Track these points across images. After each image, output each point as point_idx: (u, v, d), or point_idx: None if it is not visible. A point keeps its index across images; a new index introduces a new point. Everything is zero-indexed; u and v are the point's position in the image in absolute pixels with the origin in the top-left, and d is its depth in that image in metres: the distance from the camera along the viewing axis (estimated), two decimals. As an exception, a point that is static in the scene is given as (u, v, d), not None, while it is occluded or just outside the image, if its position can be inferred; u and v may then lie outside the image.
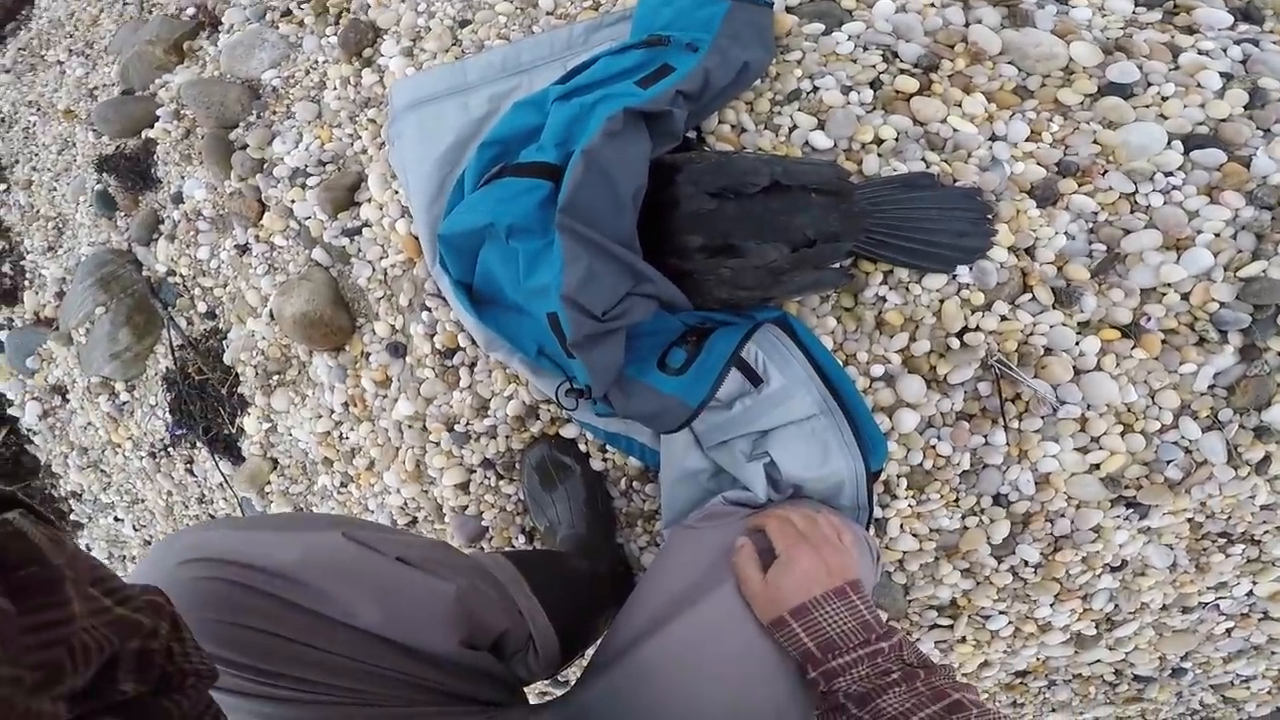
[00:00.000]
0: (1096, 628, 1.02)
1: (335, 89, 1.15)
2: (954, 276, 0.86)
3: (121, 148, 1.37)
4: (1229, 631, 1.05)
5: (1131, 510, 0.92)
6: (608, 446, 0.99)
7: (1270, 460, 0.88)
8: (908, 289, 0.88)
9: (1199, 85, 0.91)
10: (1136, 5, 0.98)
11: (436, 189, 0.94)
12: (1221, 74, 0.91)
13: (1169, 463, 0.89)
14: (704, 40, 0.88)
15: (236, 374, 1.21)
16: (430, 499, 1.07)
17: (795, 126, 0.92)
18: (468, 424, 1.02)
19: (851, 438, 0.82)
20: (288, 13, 1.28)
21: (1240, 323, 0.84)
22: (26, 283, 1.54)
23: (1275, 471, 0.89)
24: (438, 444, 1.03)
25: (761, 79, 0.94)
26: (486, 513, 1.05)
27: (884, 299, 0.88)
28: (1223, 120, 0.89)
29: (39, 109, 1.62)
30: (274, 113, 1.19)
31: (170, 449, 1.36)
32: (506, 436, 1.01)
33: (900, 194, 0.84)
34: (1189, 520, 0.94)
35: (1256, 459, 0.88)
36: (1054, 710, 1.16)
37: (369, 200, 1.06)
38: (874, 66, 0.94)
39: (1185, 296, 0.85)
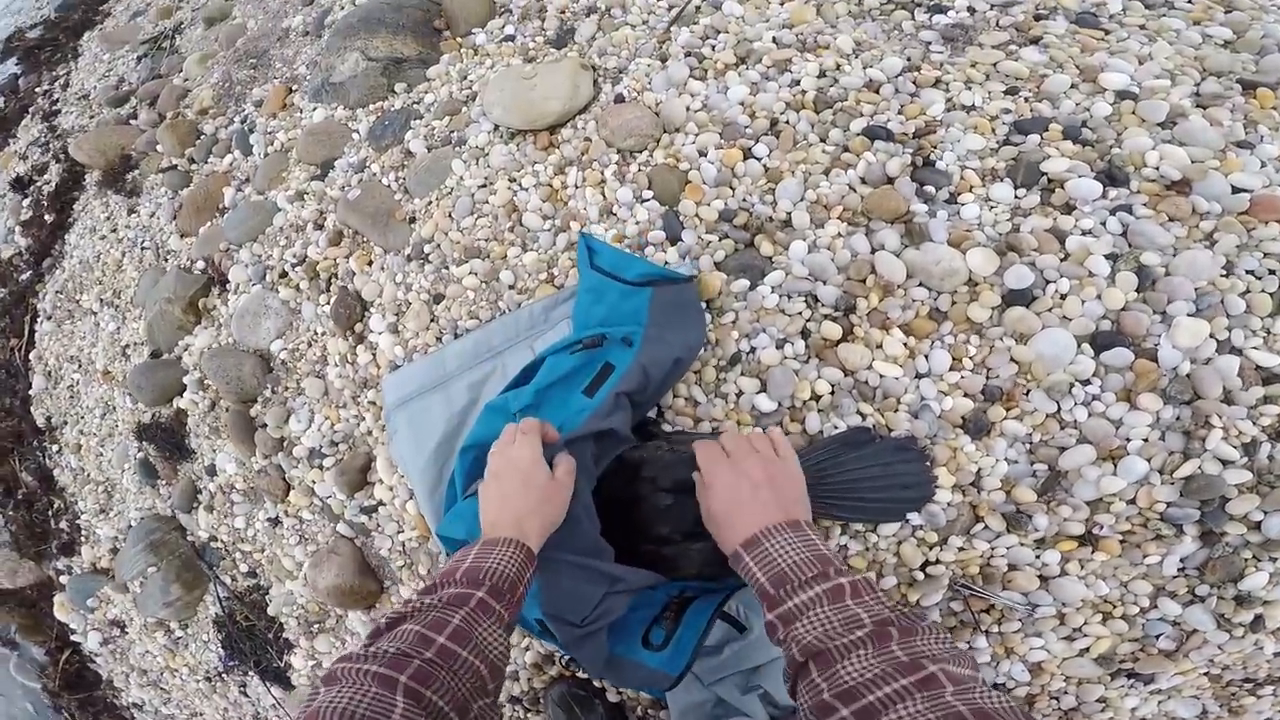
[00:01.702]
0: None
1: (336, 365, 1.34)
2: (906, 521, 0.98)
3: (157, 416, 1.59)
4: None
5: (1134, 679, 0.99)
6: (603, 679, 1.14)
7: (1263, 619, 0.95)
8: (865, 537, 0.99)
9: (1090, 274, 0.98)
10: (1016, 188, 1.05)
11: (435, 480, 1.11)
12: (1107, 256, 0.97)
13: (1159, 636, 0.96)
14: (636, 333, 1.02)
15: (280, 623, 1.40)
16: None
17: (741, 392, 1.05)
18: None
19: None
20: (284, 274, 1.48)
21: (1190, 517, 0.93)
22: (82, 538, 1.79)
23: (1273, 626, 0.95)
24: None
25: (705, 346, 1.07)
26: None
27: (845, 547, 1.00)
28: (1121, 310, 0.96)
29: (80, 365, 1.87)
30: (286, 388, 1.39)
31: (224, 675, 1.57)
32: (529, 679, 1.17)
33: (842, 455, 0.96)
34: (1205, 674, 0.99)
35: (1247, 620, 0.95)
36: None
37: (380, 482, 1.24)
38: (800, 314, 1.06)
39: (1131, 502, 0.94)
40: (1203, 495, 0.91)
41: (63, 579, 1.81)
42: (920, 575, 0.99)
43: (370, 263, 1.38)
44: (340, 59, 1.71)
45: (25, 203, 2.28)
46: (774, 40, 1.29)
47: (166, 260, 1.76)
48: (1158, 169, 1.03)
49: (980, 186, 1.07)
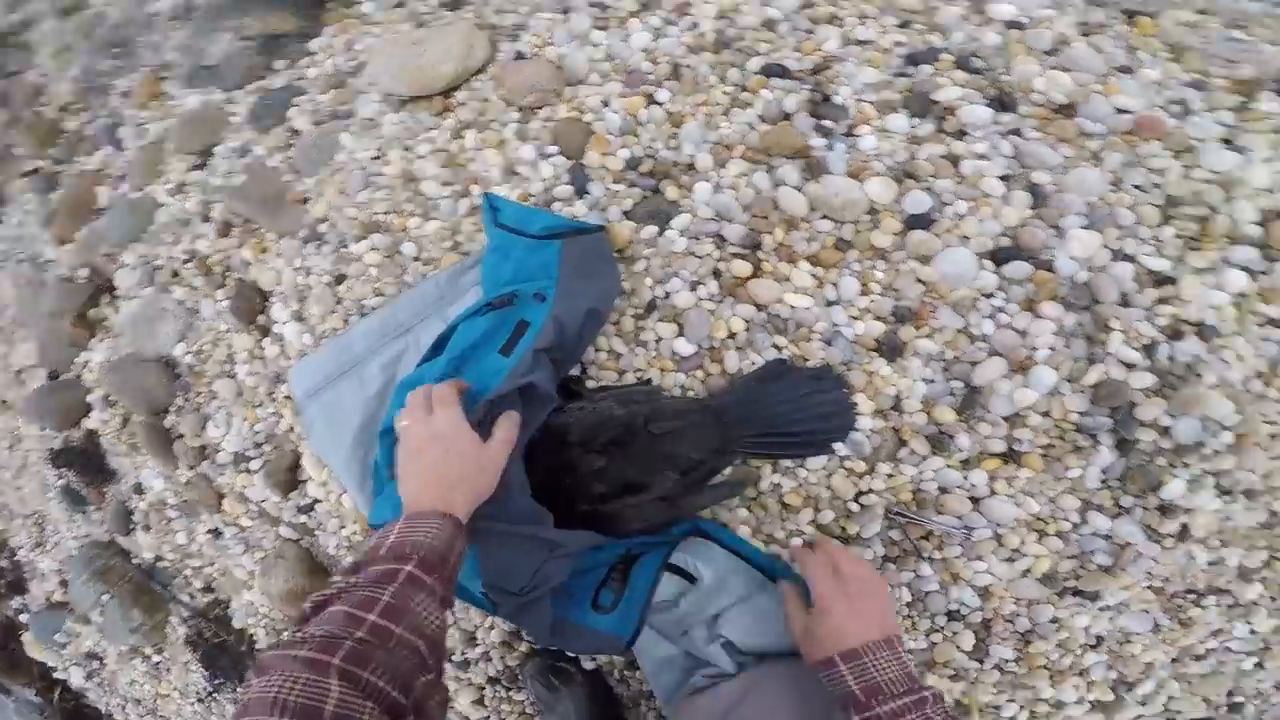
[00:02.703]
0: (1114, 691, 1.03)
1: (245, 363, 1.21)
2: (834, 453, 0.95)
3: (69, 440, 1.45)
4: (1259, 665, 1.05)
5: (1081, 597, 0.97)
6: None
7: (1189, 529, 0.94)
8: (796, 473, 0.96)
9: (986, 195, 0.97)
10: (911, 118, 1.03)
11: (361, 471, 1.03)
12: (1000, 178, 0.97)
13: (1094, 552, 0.95)
14: (548, 287, 0.94)
15: (249, 635, 1.32)
16: (457, 713, 1.16)
17: (660, 338, 0.99)
18: (463, 653, 1.11)
19: None
20: (175, 273, 1.34)
21: (1103, 426, 0.92)
22: (26, 574, 1.64)
23: (1200, 535, 0.94)
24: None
25: (620, 296, 1.01)
26: (508, 719, 1.15)
27: (779, 485, 0.96)
28: (1018, 227, 0.95)
29: (-27, 397, 1.69)
30: (198, 393, 1.26)
31: (215, 694, 1.46)
32: (501, 657, 1.11)
33: (762, 392, 0.92)
34: (1149, 588, 0.98)
35: (1175, 530, 0.94)
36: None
37: (310, 480, 1.14)
38: (710, 255, 1.00)
39: (1046, 414, 0.93)
40: (1112, 402, 0.91)
41: (22, 617, 1.67)
42: (855, 506, 0.96)
43: (265, 250, 1.25)
44: (211, 41, 1.56)
45: None
46: None
47: (45, 271, 1.58)
48: (1045, 94, 1.03)
49: (877, 118, 1.04)
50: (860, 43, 1.11)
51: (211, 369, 1.26)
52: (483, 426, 0.81)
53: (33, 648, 1.67)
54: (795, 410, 0.91)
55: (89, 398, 1.40)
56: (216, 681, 1.43)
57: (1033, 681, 1.01)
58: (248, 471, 1.20)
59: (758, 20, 1.16)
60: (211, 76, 1.54)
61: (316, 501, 1.16)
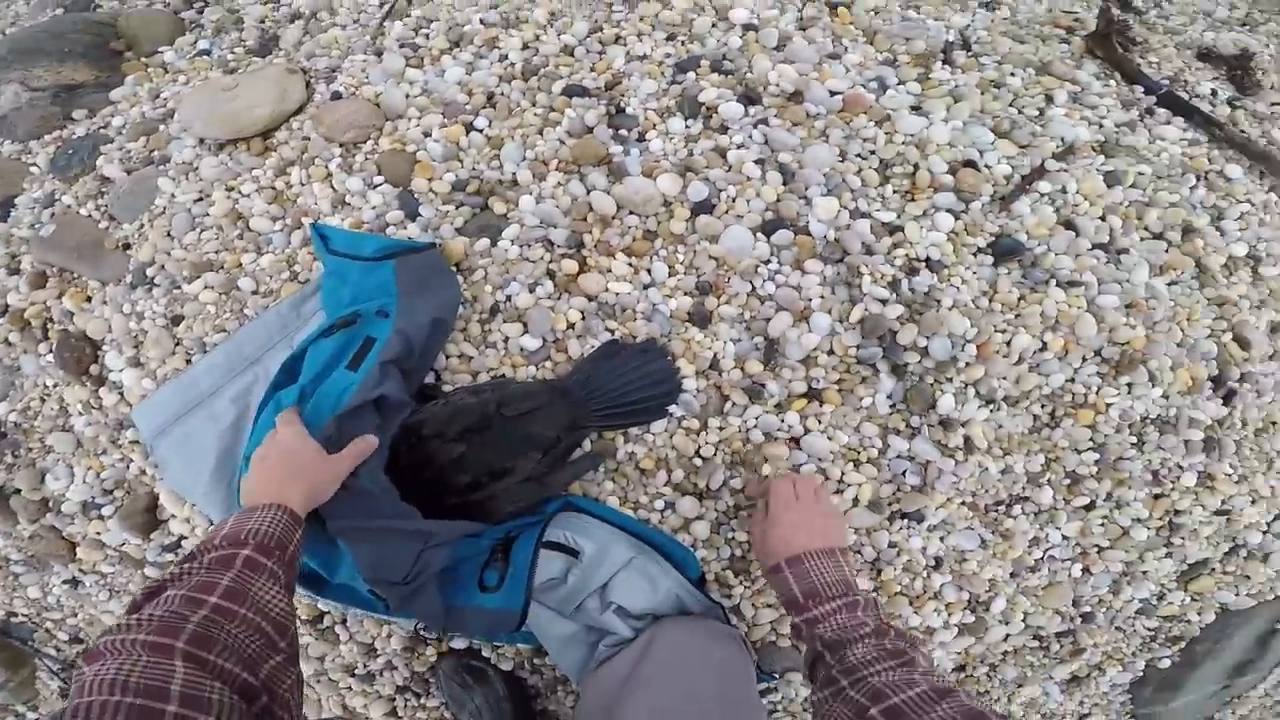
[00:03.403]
0: (972, 613, 1.10)
1: (80, 414, 1.13)
2: (670, 416, 1.04)
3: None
4: (1087, 570, 1.14)
5: (908, 520, 1.03)
6: (496, 643, 1.11)
7: (971, 440, 1.03)
8: (645, 439, 1.04)
9: (748, 179, 1.09)
10: (685, 120, 1.16)
11: (225, 498, 0.99)
12: (756, 162, 1.08)
13: (905, 473, 1.03)
14: (389, 304, 0.97)
15: None
16: None
17: (507, 338, 1.05)
18: (365, 666, 1.10)
19: (665, 562, 1.01)
20: (-12, 332, 1.24)
21: (876, 355, 1.05)
22: None
23: (982, 445, 1.03)
24: (350, 688, 1.12)
25: (462, 304, 1.06)
26: None
27: (634, 453, 1.04)
28: (777, 202, 1.09)
29: None
30: (30, 450, 1.16)
31: None
32: (407, 664, 1.10)
33: (600, 369, 1.00)
34: (964, 504, 1.05)
35: (959, 443, 1.03)
36: (1020, 685, 1.24)
37: (173, 517, 1.09)
38: (542, 259, 1.08)
39: (830, 352, 1.06)
40: (876, 332, 1.04)
41: None
42: (699, 462, 1.04)
43: (89, 299, 1.17)
44: (-8, 93, 1.44)
45: None
46: (481, 21, 1.29)
47: None
48: (778, 85, 1.18)
49: (660, 123, 1.16)
50: (640, 58, 1.23)
51: (43, 425, 1.16)
52: (332, 442, 0.84)
53: None
54: (630, 382, 1.00)
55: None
56: None
57: (896, 610, 1.07)
58: (100, 518, 1.12)
59: (557, 48, 1.25)
60: (1, 127, 1.43)
61: (183, 538, 1.10)
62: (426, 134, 1.19)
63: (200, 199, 1.19)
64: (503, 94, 1.22)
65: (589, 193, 1.12)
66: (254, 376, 1.04)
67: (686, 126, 1.16)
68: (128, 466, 1.13)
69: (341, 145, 1.20)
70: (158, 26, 1.49)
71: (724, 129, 1.16)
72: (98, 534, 1.14)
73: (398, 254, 1.01)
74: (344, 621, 1.11)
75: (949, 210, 1.12)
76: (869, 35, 1.30)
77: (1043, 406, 1.10)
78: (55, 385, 1.17)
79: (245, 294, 1.11)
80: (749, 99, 1.17)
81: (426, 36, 1.31)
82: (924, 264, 1.09)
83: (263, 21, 1.45)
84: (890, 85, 1.21)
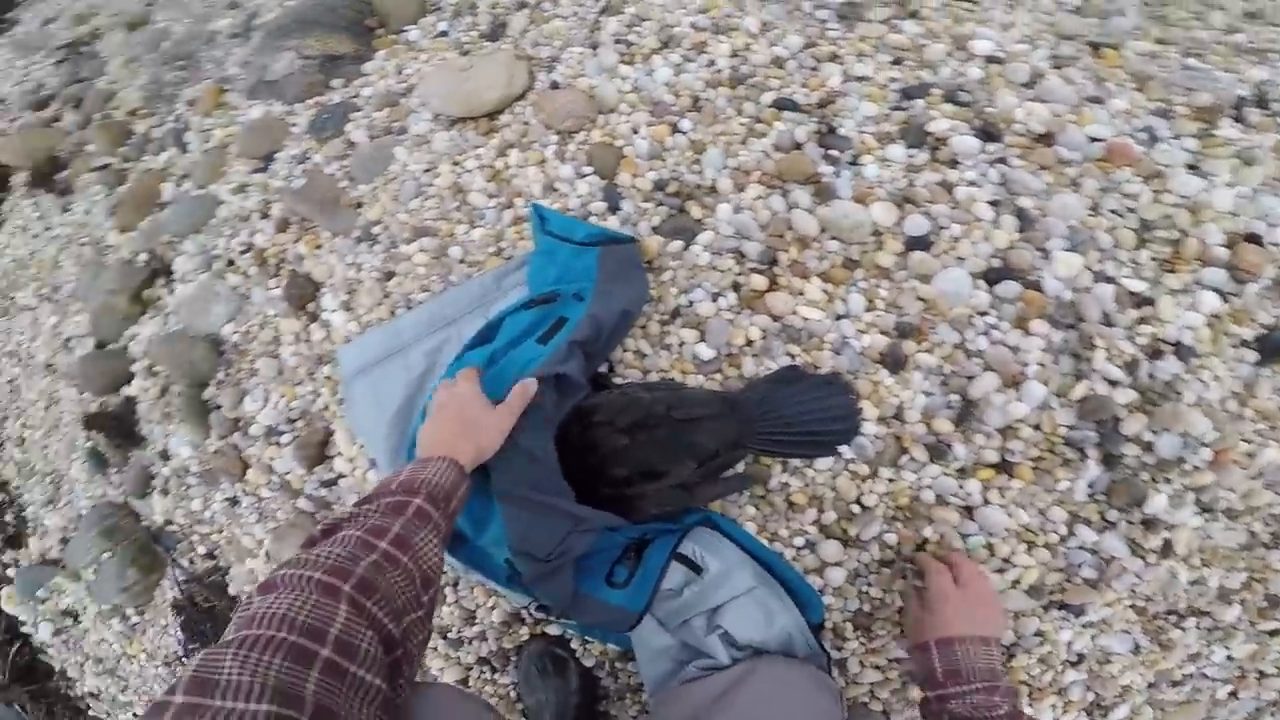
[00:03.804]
0: (1089, 715, 1.04)
1: (290, 345, 1.28)
2: (839, 456, 1.00)
3: (105, 405, 1.50)
4: (1234, 694, 1.06)
5: (1066, 611, 0.98)
6: (588, 639, 1.13)
7: (1171, 545, 0.96)
8: (804, 473, 1.01)
9: (977, 219, 1.03)
10: (908, 148, 1.11)
11: (396, 445, 1.08)
12: (990, 203, 1.04)
13: (1080, 565, 0.97)
14: (587, 288, 1.03)
15: (243, 602, 1.34)
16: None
17: (683, 343, 1.06)
18: (459, 631, 1.15)
19: (789, 600, 0.97)
20: (231, 262, 1.42)
21: (1090, 440, 0.96)
22: (29, 530, 1.66)
23: (1182, 552, 0.96)
24: (435, 649, 1.16)
25: (648, 302, 1.09)
26: (488, 702, 1.17)
27: (787, 484, 1.01)
28: (1008, 249, 1.02)
29: (20, 360, 1.73)
30: (240, 370, 1.32)
31: (184, 659, 1.46)
32: (496, 638, 1.14)
33: (776, 393, 0.98)
34: (1132, 607, 0.99)
35: (1158, 546, 0.96)
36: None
37: (339, 454, 1.20)
38: (730, 269, 1.08)
39: (1036, 427, 0.97)
40: (1097, 416, 0.95)
41: (10, 572, 1.68)
42: (857, 508, 1.00)
43: (319, 246, 1.33)
44: (274, 58, 1.66)
45: None
46: (692, 25, 1.33)
47: (106, 254, 1.65)
48: (1025, 124, 1.11)
49: (878, 148, 1.12)
50: (859, 79, 1.21)
51: (256, 349, 1.32)
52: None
53: (9, 601, 1.68)
54: (806, 412, 0.97)
55: (132, 367, 1.46)
56: (190, 646, 1.44)
57: None
58: (278, 444, 1.25)
59: (768, 58, 1.26)
60: (272, 90, 1.64)
61: (341, 476, 1.20)
62: (634, 130, 1.24)
63: (428, 169, 1.31)
64: (708, 99, 1.24)
65: (790, 210, 1.11)
66: (447, 336, 1.13)
67: (909, 155, 1.12)
68: (315, 399, 1.25)
69: (558, 133, 1.28)
70: (406, 6, 1.66)
71: (954, 163, 1.10)
72: (270, 459, 1.27)
73: (604, 243, 1.06)
74: (455, 584, 1.16)
75: (1215, 289, 1.00)
76: (1139, 81, 1.19)
77: (1265, 525, 0.98)
78: (275, 316, 1.33)
79: (453, 261, 1.21)
80: (987, 134, 1.11)
81: (639, 35, 1.36)
82: (1172, 348, 0.98)
83: (494, 7, 1.57)
84: (1162, 138, 1.10)
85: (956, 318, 1.01)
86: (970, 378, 1.00)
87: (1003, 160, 1.08)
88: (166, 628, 1.46)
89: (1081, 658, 1.01)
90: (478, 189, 1.25)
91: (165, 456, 1.39)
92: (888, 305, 1.04)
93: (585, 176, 1.22)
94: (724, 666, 0.93)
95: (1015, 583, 0.97)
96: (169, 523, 1.41)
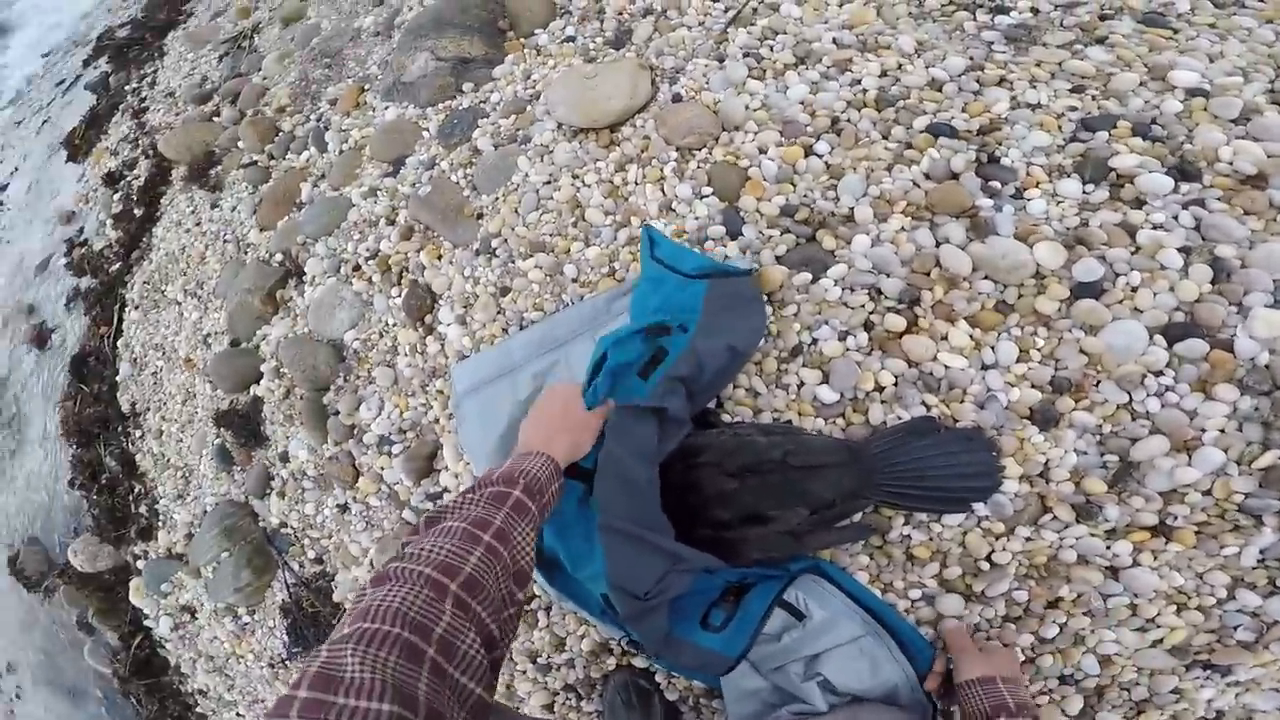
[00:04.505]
0: None
1: (406, 356, 1.36)
2: (972, 512, 0.96)
3: (235, 403, 1.64)
4: None
5: (1211, 671, 0.95)
6: (674, 672, 1.13)
7: None
8: (929, 527, 0.98)
9: (1162, 267, 0.95)
10: (1084, 183, 1.03)
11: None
12: (1180, 250, 0.95)
13: (1237, 628, 0.92)
14: (692, 320, 1.02)
15: (346, 609, 1.42)
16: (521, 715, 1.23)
17: (802, 383, 1.04)
18: (548, 657, 1.18)
19: (898, 650, 0.94)
20: (358, 267, 1.52)
21: (1270, 508, 0.88)
22: (160, 523, 1.84)
23: None
24: (524, 672, 1.20)
25: (765, 338, 1.06)
26: None
27: (909, 536, 0.98)
28: (1195, 303, 0.93)
29: (164, 353, 1.93)
30: (358, 377, 1.42)
31: (288, 662, 1.59)
32: (584, 666, 1.17)
33: (907, 444, 0.94)
34: None
35: None
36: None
37: (445, 469, 1.26)
38: (863, 307, 1.04)
39: (1207, 493, 0.90)
40: None
41: (139, 564, 1.85)
42: (985, 565, 0.96)
43: (440, 257, 1.40)
44: (410, 59, 1.74)
45: (116, 197, 2.37)
46: (834, 41, 1.29)
47: (246, 253, 1.81)
48: (1231, 164, 1.00)
49: (1047, 182, 1.06)
50: (1031, 106, 1.13)
51: (375, 357, 1.41)
52: (632, 431, 0.91)
53: (136, 593, 1.85)
54: (940, 467, 0.94)
55: (262, 367, 1.60)
56: (294, 650, 1.55)
57: None
58: (389, 454, 1.33)
59: (923, 80, 1.20)
60: (407, 93, 1.73)
61: (445, 490, 1.27)
62: (762, 150, 1.22)
63: (548, 182, 1.36)
64: (850, 121, 1.20)
65: (939, 245, 1.06)
66: (557, 359, 1.17)
67: (1085, 191, 1.04)
68: (426, 412, 1.33)
69: (678, 149, 1.29)
70: (537, 9, 1.70)
71: (1139, 203, 1.02)
72: (381, 469, 1.36)
73: (714, 275, 1.05)
74: (549, 609, 1.20)
75: None
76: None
77: None
78: (394, 325, 1.42)
79: (566, 280, 1.24)
80: (1183, 173, 1.02)
81: (771, 49, 1.34)
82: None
83: (620, 14, 1.59)
84: None
85: (1125, 375, 0.94)
86: (1133, 440, 0.93)
87: (1199, 202, 0.99)
88: (273, 630, 1.57)
89: (1220, 715, 0.97)
90: (595, 205, 1.28)
91: (285, 459, 1.50)
92: (1044, 356, 0.98)
93: (704, 197, 1.21)
94: (820, 713, 0.94)
95: (1157, 642, 0.94)
96: (283, 525, 1.54)
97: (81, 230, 2.45)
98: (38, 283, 2.48)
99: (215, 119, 2.22)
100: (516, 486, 0.75)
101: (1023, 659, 0.98)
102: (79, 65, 3.16)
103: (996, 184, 1.07)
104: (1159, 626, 0.94)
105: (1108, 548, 0.93)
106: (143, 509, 1.89)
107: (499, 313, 1.27)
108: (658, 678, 1.14)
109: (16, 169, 2.96)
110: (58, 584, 2.04)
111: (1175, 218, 0.98)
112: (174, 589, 1.77)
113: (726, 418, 1.06)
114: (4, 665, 2.22)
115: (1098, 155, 1.04)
